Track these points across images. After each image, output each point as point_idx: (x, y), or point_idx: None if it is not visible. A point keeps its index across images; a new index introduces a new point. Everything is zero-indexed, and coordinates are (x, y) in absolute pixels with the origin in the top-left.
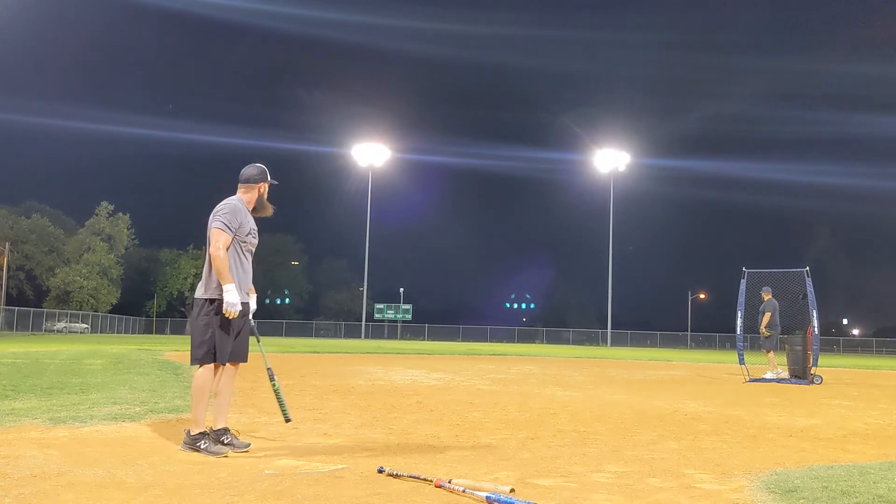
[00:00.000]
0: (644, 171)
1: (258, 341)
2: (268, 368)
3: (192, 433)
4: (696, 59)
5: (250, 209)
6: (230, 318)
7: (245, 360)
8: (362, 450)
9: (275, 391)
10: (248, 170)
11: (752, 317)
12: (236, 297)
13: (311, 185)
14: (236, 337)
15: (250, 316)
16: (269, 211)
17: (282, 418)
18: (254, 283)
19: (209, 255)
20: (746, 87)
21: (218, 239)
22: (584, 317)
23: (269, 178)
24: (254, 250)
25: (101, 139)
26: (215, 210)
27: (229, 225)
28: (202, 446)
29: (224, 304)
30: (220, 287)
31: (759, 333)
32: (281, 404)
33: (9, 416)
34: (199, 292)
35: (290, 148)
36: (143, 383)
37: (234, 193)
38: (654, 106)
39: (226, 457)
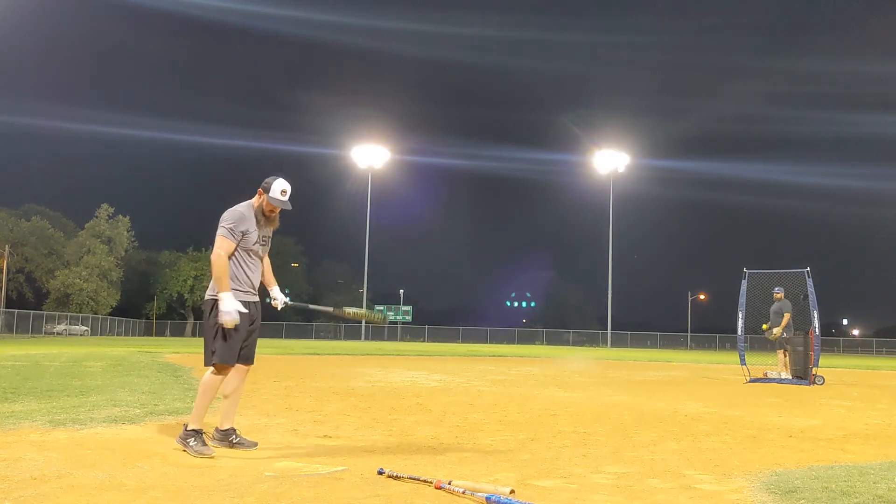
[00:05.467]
0: (644, 171)
1: (308, 307)
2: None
3: (187, 427)
4: (696, 59)
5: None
6: (226, 326)
7: (252, 363)
8: (362, 451)
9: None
10: (268, 177)
11: (754, 317)
12: (230, 305)
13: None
14: (245, 339)
15: (272, 309)
16: (273, 225)
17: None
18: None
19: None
20: (746, 87)
21: (220, 245)
22: (584, 318)
23: (271, 192)
24: (264, 253)
25: (101, 141)
26: (223, 216)
27: (233, 232)
28: (191, 443)
29: (219, 313)
30: None
31: (770, 334)
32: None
33: (8, 418)
34: (208, 293)
35: (289, 150)
36: (143, 385)
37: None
38: (654, 107)
39: (211, 457)
